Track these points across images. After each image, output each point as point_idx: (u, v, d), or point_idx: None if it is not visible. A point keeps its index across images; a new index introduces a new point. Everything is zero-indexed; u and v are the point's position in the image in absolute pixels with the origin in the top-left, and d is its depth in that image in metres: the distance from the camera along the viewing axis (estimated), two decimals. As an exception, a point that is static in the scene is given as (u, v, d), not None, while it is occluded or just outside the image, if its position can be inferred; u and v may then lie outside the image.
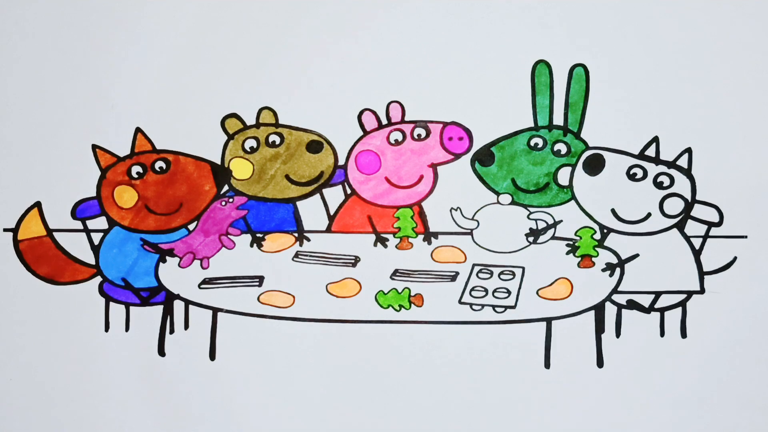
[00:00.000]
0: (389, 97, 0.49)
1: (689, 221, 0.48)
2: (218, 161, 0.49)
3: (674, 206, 0.48)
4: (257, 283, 0.49)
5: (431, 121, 0.49)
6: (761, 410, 0.49)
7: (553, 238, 0.48)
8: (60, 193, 0.49)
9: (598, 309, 0.48)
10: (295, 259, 0.49)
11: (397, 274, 0.49)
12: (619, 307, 0.48)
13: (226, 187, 0.49)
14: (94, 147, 0.49)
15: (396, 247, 0.49)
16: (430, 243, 0.49)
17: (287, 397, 0.49)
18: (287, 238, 0.49)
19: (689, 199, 0.48)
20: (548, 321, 0.48)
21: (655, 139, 0.48)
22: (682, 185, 0.48)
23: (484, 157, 0.48)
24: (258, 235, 0.49)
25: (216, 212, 0.49)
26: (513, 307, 0.48)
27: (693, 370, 0.49)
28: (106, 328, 0.49)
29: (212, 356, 0.49)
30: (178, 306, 0.49)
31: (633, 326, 0.48)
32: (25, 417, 0.50)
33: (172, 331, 0.49)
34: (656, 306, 0.48)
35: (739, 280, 0.48)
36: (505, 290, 0.48)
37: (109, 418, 0.49)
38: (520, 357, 0.48)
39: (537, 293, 0.48)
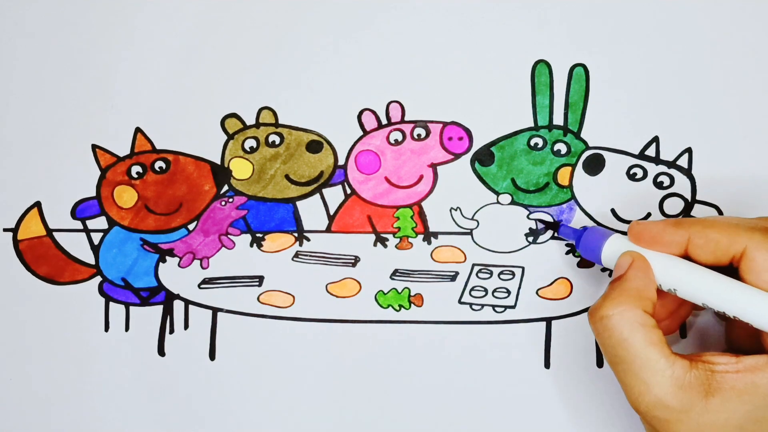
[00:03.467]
0: (389, 97, 0.49)
1: (689, 221, 0.48)
2: (218, 161, 0.49)
3: (674, 206, 0.48)
4: (257, 283, 0.49)
5: (431, 121, 0.49)
6: (761, 410, 0.49)
7: (553, 238, 0.48)
8: (60, 193, 0.49)
9: (598, 309, 0.48)
10: (294, 259, 0.49)
11: (397, 274, 0.49)
12: (619, 307, 0.48)
13: (225, 187, 0.49)
14: (94, 147, 0.49)
15: (396, 247, 0.49)
16: (429, 243, 0.49)
17: (287, 396, 0.49)
18: (287, 238, 0.49)
19: (689, 199, 0.48)
20: (548, 321, 0.48)
21: (655, 139, 0.48)
22: (682, 185, 0.48)
23: (483, 157, 0.48)
24: (258, 235, 0.49)
25: (216, 212, 0.49)
26: (513, 307, 0.48)
27: (693, 370, 0.49)
28: (106, 328, 0.49)
29: (212, 356, 0.49)
30: (178, 306, 0.49)
31: (633, 326, 0.48)
32: (24, 417, 0.50)
33: (171, 331, 0.49)
34: (656, 306, 0.48)
35: (739, 280, 0.48)
36: (505, 290, 0.48)
37: (109, 418, 0.49)
38: (520, 357, 0.48)
39: (537, 293, 0.48)
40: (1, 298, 0.49)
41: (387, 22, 0.49)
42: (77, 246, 0.49)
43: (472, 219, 0.49)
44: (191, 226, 0.49)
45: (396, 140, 0.49)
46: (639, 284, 0.38)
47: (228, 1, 0.49)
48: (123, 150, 0.49)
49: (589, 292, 0.48)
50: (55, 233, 0.49)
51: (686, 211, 0.48)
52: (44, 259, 0.49)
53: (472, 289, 0.48)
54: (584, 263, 0.48)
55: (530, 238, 0.48)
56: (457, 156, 0.49)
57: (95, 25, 0.49)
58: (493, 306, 0.48)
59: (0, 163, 0.49)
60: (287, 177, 0.49)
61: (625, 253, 0.40)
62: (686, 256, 0.39)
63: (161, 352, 0.49)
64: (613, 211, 0.48)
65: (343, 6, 0.49)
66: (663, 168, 0.48)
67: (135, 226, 0.49)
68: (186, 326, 0.49)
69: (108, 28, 0.49)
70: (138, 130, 0.49)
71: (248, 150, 0.49)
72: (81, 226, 0.49)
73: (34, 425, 0.50)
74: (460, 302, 0.48)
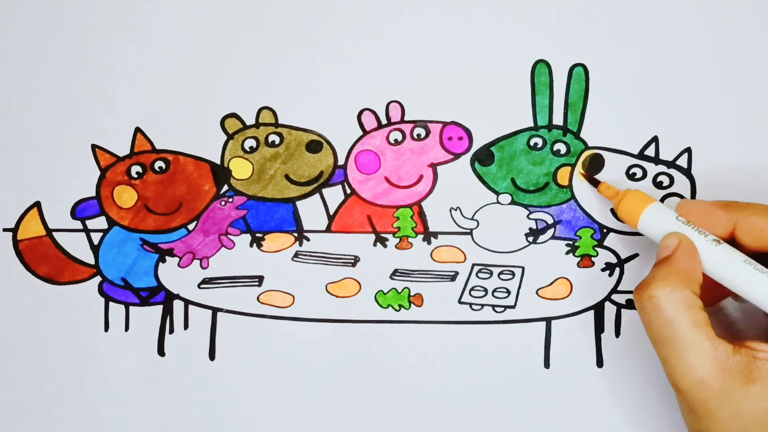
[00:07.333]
0: (389, 97, 0.49)
1: (689, 221, 0.48)
2: (218, 161, 0.49)
3: (674, 206, 0.48)
4: (257, 283, 0.49)
5: (431, 121, 0.49)
6: (761, 410, 0.49)
7: (553, 238, 0.48)
8: (60, 193, 0.49)
9: (598, 309, 0.48)
10: (294, 259, 0.49)
11: (397, 273, 0.49)
12: (619, 306, 0.48)
13: (225, 187, 0.49)
14: (94, 147, 0.49)
15: (396, 247, 0.49)
16: (429, 243, 0.49)
17: (287, 396, 0.49)
18: (287, 238, 0.49)
19: (689, 199, 0.48)
20: (548, 321, 0.48)
21: (655, 139, 0.48)
22: (682, 185, 0.48)
23: (483, 157, 0.48)
24: (258, 235, 0.49)
25: (215, 212, 0.49)
26: (513, 307, 0.48)
27: (693, 370, 0.49)
28: (106, 328, 0.49)
29: (212, 356, 0.49)
30: (178, 306, 0.49)
31: (633, 326, 0.48)
32: (25, 417, 0.50)
33: (171, 331, 0.49)
34: (656, 306, 0.48)
35: (739, 280, 0.48)
36: (505, 290, 0.48)
37: (109, 418, 0.49)
38: (519, 357, 0.48)
39: (536, 293, 0.48)
40: (1, 298, 0.49)
41: (387, 22, 0.49)
42: (77, 246, 0.49)
43: (472, 219, 0.49)
44: (191, 226, 0.49)
45: (396, 140, 0.49)
46: (686, 266, 0.38)
47: (228, 1, 0.49)
48: (123, 150, 0.49)
49: (589, 292, 0.48)
50: (54, 233, 0.49)
51: (686, 211, 0.48)
52: (44, 259, 0.49)
53: (472, 289, 0.48)
54: (584, 263, 0.48)
55: (530, 238, 0.48)
56: (457, 156, 0.49)
57: (95, 25, 0.49)
58: (493, 306, 0.48)
59: (0, 163, 0.49)
60: (287, 177, 0.49)
61: (670, 233, 0.40)
62: (732, 239, 0.40)
63: (161, 352, 0.49)
64: (613, 211, 0.48)
65: (343, 6, 0.49)
66: (662, 168, 0.48)
67: (135, 226, 0.49)
68: (186, 326, 0.49)
69: (108, 28, 0.49)
70: (138, 130, 0.49)
71: (248, 150, 0.49)
72: (81, 226, 0.49)
73: (34, 425, 0.50)
74: (460, 302, 0.48)
